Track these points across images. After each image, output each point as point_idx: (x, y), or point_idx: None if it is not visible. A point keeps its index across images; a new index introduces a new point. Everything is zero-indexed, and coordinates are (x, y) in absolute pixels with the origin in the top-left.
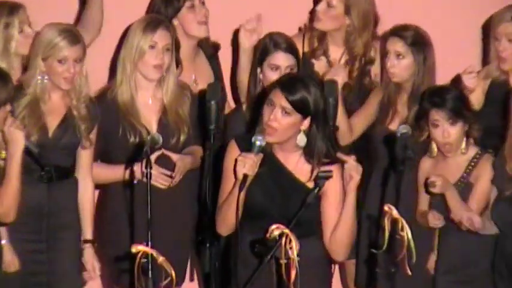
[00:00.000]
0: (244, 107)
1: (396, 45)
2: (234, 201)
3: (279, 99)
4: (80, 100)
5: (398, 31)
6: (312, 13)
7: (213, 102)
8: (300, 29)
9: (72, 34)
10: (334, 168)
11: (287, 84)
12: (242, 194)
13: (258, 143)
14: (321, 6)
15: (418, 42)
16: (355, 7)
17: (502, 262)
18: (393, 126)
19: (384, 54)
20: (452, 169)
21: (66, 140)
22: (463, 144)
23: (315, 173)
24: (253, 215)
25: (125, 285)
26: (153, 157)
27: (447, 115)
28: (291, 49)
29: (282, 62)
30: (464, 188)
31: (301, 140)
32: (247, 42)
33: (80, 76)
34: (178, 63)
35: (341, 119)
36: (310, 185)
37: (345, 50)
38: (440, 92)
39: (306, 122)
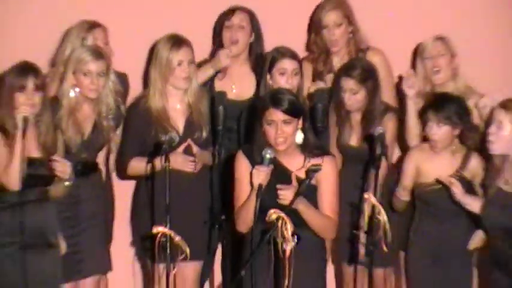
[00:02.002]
0: None
1: (349, 84)
2: (252, 206)
3: (277, 115)
4: (105, 110)
5: (349, 71)
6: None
7: (220, 107)
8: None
9: (97, 51)
10: (326, 160)
11: (275, 99)
12: (258, 200)
13: (268, 156)
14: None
15: (367, 77)
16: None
17: (493, 257)
18: (352, 141)
19: (339, 88)
20: (441, 165)
21: (97, 142)
22: (454, 145)
23: (306, 162)
24: (262, 211)
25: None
26: (181, 148)
27: (437, 118)
28: (294, 56)
29: (288, 65)
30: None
31: (299, 137)
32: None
33: (104, 89)
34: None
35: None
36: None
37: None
38: (441, 99)
39: (300, 121)
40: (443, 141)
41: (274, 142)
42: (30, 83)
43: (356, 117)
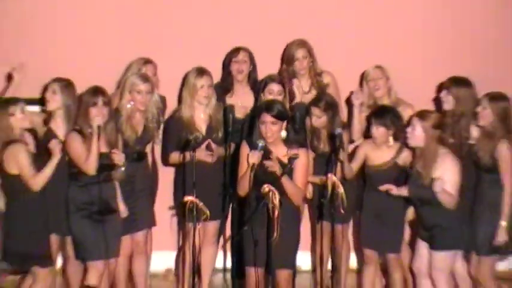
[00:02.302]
0: None
1: (316, 112)
2: (247, 178)
3: (267, 118)
4: (151, 117)
5: (315, 102)
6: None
7: (230, 116)
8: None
9: (145, 76)
10: (301, 151)
11: (267, 106)
12: (251, 173)
13: (260, 144)
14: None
15: (329, 107)
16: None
17: (417, 218)
18: (321, 145)
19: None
20: (381, 154)
21: (146, 138)
22: (390, 141)
23: (289, 152)
24: (256, 182)
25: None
26: (203, 145)
27: (376, 122)
28: (280, 81)
29: (275, 88)
30: (392, 167)
31: (283, 133)
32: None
33: (150, 102)
34: (229, 89)
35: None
36: (289, 156)
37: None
38: (380, 110)
39: (285, 124)
40: (380, 138)
41: (265, 136)
42: (100, 100)
43: (324, 135)
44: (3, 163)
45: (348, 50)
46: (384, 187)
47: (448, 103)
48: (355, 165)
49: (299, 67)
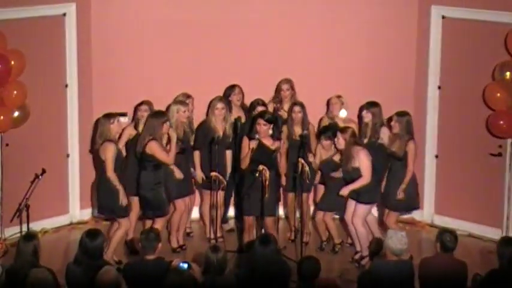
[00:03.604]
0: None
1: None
2: (248, 157)
3: (261, 121)
4: (188, 125)
5: (294, 106)
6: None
7: (238, 123)
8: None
9: (184, 103)
10: (279, 142)
11: (262, 115)
12: (250, 154)
13: (257, 136)
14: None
15: (274, 120)
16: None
17: None
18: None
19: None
20: (327, 155)
21: (185, 139)
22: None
23: (275, 143)
24: (253, 161)
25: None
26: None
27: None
28: (263, 104)
29: (260, 109)
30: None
31: (270, 131)
32: None
33: (187, 118)
34: (231, 109)
35: None
36: (273, 147)
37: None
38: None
39: (271, 125)
40: (327, 146)
41: (259, 132)
42: (167, 121)
43: (297, 126)
44: (99, 152)
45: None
46: (336, 174)
47: (367, 118)
48: (317, 160)
49: (284, 95)
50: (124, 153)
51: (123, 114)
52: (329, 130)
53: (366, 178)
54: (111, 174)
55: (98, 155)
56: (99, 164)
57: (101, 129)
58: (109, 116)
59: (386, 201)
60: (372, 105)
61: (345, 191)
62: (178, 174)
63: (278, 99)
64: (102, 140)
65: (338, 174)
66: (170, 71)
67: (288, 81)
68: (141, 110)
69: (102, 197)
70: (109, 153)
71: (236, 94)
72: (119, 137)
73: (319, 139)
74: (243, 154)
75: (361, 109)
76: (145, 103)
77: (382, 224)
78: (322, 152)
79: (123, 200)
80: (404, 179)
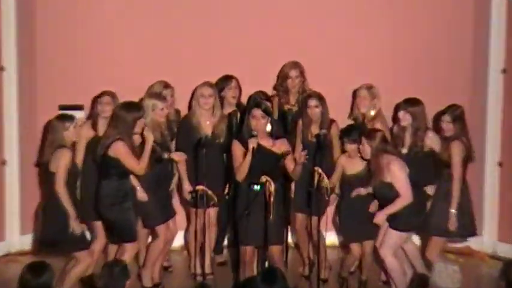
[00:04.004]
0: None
1: (312, 101)
2: (247, 163)
3: (257, 112)
4: (169, 123)
5: (312, 96)
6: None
7: (234, 119)
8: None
9: (162, 96)
10: (282, 141)
11: (258, 104)
12: (250, 158)
13: (254, 133)
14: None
15: (323, 99)
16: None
17: None
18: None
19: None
20: (355, 165)
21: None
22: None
23: (276, 143)
24: (250, 171)
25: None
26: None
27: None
28: (267, 99)
29: (256, 113)
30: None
31: (269, 126)
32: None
33: (168, 115)
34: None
35: None
36: (275, 149)
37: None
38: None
39: (269, 119)
40: (352, 152)
41: (254, 129)
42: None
43: (315, 125)
44: (50, 163)
45: (338, 70)
46: (354, 192)
47: (406, 121)
48: (336, 175)
49: (291, 85)
50: (80, 166)
51: (79, 108)
52: (354, 131)
53: (405, 197)
54: (61, 189)
55: (48, 169)
56: (47, 181)
57: (52, 136)
58: (63, 119)
59: (430, 225)
60: (411, 103)
61: (379, 218)
62: (140, 193)
63: (282, 89)
64: (53, 150)
65: (364, 190)
66: (142, 53)
67: (297, 65)
68: (102, 103)
69: (46, 225)
70: (62, 161)
71: (232, 89)
72: (73, 145)
73: (343, 142)
74: (236, 163)
75: (396, 109)
76: (108, 94)
77: (425, 255)
78: (347, 161)
79: (74, 226)
80: (453, 191)
